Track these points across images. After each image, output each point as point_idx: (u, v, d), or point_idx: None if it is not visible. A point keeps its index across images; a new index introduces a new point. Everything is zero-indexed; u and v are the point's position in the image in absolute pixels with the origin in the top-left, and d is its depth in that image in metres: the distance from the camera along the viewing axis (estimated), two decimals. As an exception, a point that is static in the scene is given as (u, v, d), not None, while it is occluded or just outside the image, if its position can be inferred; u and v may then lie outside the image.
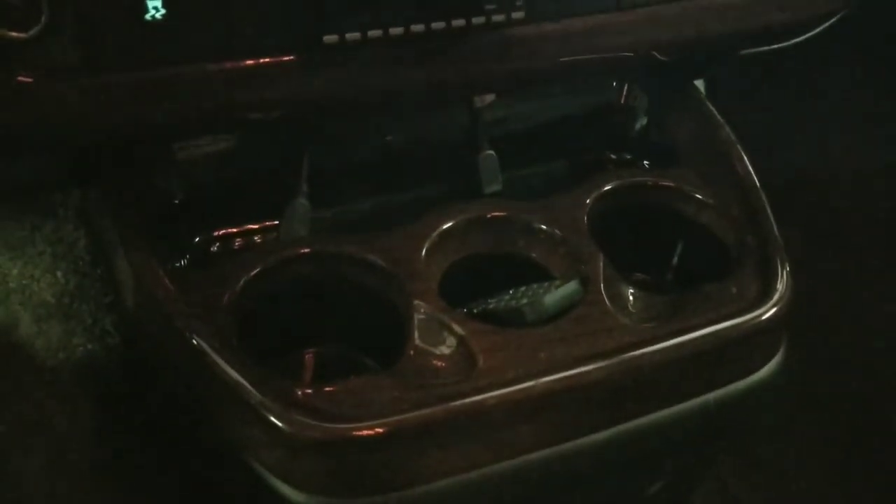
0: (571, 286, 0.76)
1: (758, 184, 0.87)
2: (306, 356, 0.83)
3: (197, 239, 0.86)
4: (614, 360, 0.70)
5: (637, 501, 0.96)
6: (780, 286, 0.78)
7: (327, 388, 0.68)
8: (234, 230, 0.88)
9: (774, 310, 0.76)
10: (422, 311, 0.74)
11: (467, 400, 0.68)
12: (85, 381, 0.92)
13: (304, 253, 0.79)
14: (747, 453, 1.40)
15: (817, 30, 0.95)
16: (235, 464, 0.69)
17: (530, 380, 0.69)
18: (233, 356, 0.69)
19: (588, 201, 0.86)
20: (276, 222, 0.86)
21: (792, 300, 0.78)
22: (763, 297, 0.77)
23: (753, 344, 0.77)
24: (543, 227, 0.83)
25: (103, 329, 0.92)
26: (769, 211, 0.85)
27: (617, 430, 0.73)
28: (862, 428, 1.50)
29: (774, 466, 1.43)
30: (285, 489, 0.67)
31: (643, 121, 1.01)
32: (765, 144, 0.98)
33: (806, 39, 0.97)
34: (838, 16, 0.94)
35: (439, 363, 0.72)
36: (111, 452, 0.87)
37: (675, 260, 0.91)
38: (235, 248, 0.88)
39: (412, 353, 0.72)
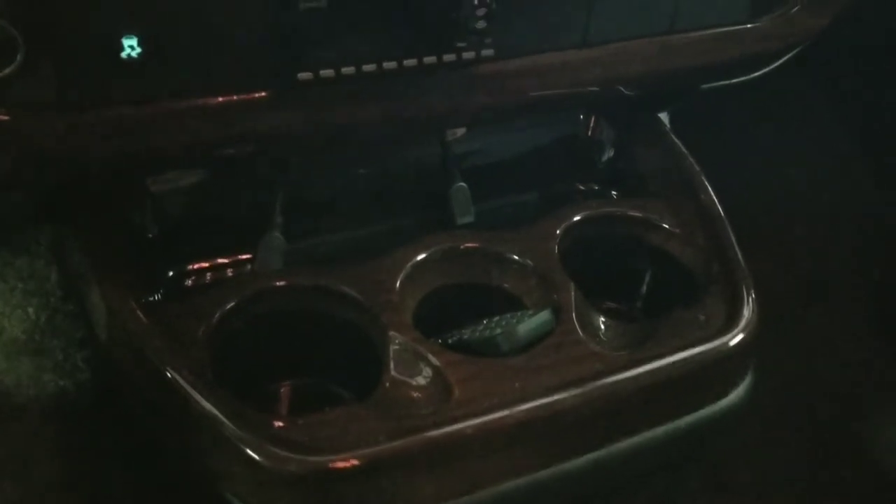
0: (544, 315, 0.77)
1: (722, 213, 0.90)
2: (282, 389, 0.83)
3: (171, 273, 0.87)
4: (588, 387, 0.72)
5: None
6: (747, 312, 0.80)
7: (303, 421, 0.68)
8: (209, 263, 0.89)
9: (742, 335, 0.78)
10: (397, 342, 0.75)
11: (444, 430, 0.68)
12: (55, 416, 0.91)
13: (278, 285, 0.79)
14: (719, 477, 1.41)
15: (777, 63, 0.99)
16: (212, 498, 0.68)
17: (506, 409, 0.70)
18: (208, 389, 0.69)
19: (558, 232, 0.88)
20: (251, 255, 0.86)
21: (758, 326, 0.80)
22: (730, 324, 0.79)
23: (723, 369, 0.79)
24: (515, 257, 0.85)
25: (74, 365, 0.91)
26: (733, 239, 0.87)
27: (592, 457, 0.74)
28: (830, 449, 1.52)
29: (746, 491, 1.44)
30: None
31: (610, 152, 1.04)
32: (726, 174, 1.01)
33: (766, 73, 1.00)
34: (796, 50, 0.98)
35: (415, 393, 0.72)
36: (85, 487, 0.86)
37: (644, 288, 0.93)
38: (210, 281, 0.88)
39: (388, 384, 0.72)
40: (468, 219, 0.92)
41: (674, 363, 0.74)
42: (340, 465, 0.66)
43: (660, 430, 0.76)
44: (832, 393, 1.60)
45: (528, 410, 0.70)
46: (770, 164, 1.59)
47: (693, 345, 0.76)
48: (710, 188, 0.92)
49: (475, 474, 0.71)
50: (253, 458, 0.65)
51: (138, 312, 0.73)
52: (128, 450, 0.82)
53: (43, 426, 0.91)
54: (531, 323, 0.77)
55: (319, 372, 0.83)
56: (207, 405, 0.67)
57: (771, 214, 1.60)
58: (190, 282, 0.88)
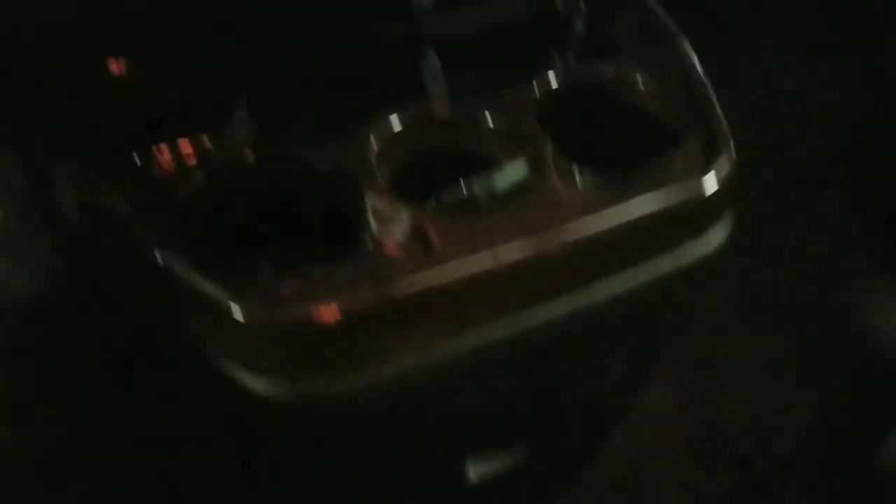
0: (518, 164, 0.77)
1: (701, 71, 0.88)
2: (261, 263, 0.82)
3: (139, 157, 0.85)
4: (568, 226, 0.72)
5: (594, 393, 0.98)
6: (725, 157, 0.80)
7: (286, 278, 0.67)
8: (179, 145, 0.87)
9: (719, 176, 0.78)
10: (375, 204, 0.74)
11: (426, 276, 0.69)
12: (34, 317, 0.91)
13: (251, 161, 0.78)
14: (696, 353, 1.44)
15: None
16: (196, 361, 0.68)
17: (488, 255, 0.70)
18: (187, 255, 0.68)
19: (533, 97, 0.87)
20: (218, 135, 0.85)
21: (735, 171, 0.80)
22: (707, 167, 0.79)
23: (699, 211, 0.79)
24: (491, 123, 0.84)
25: (50, 266, 0.90)
26: (712, 93, 0.86)
27: (574, 300, 0.74)
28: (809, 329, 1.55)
29: (721, 365, 1.47)
30: (248, 378, 0.67)
31: (584, 17, 1.01)
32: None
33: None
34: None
35: (396, 251, 0.72)
36: (67, 373, 0.86)
37: (622, 149, 0.92)
38: (182, 162, 0.86)
39: (368, 243, 0.72)
40: (440, 89, 0.90)
41: (651, 199, 0.74)
42: (326, 315, 0.66)
43: (639, 271, 0.77)
44: (812, 272, 1.63)
45: (510, 254, 0.71)
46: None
47: (670, 184, 0.76)
48: (687, 45, 0.90)
49: (459, 324, 0.72)
50: (236, 314, 0.65)
51: (107, 188, 0.72)
52: (107, 332, 0.82)
53: (25, 326, 0.91)
54: (507, 173, 0.76)
55: (298, 247, 0.83)
56: (185, 267, 0.67)
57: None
58: (162, 164, 0.86)
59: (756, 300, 1.57)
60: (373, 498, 0.92)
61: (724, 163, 0.79)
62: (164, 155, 0.86)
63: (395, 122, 0.83)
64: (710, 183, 0.78)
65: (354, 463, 0.82)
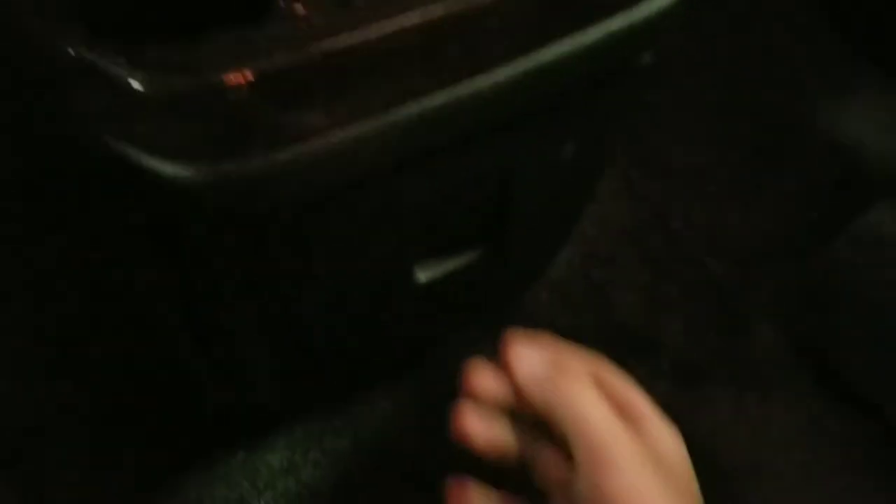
0: None
1: None
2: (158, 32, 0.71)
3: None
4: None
5: (543, 189, 0.92)
6: None
7: (183, 44, 0.58)
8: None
9: None
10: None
11: (348, 35, 0.60)
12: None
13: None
14: (650, 161, 1.40)
15: None
16: (95, 147, 0.60)
17: (416, 10, 0.62)
18: (75, 26, 0.58)
19: None
20: None
21: None
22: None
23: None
24: None
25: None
26: None
27: (520, 62, 0.66)
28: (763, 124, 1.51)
29: (681, 175, 1.43)
30: (154, 162, 0.58)
31: None
32: None
33: None
34: None
35: (311, 10, 0.63)
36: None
37: None
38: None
39: (280, 3, 0.62)
40: None
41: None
42: (234, 80, 0.57)
43: (589, 31, 0.69)
44: (769, 76, 1.58)
45: (442, 7, 0.62)
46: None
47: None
48: None
49: (387, 90, 0.63)
50: (128, 82, 0.56)
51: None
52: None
53: None
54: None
55: (198, 13, 0.72)
56: (80, 43, 0.57)
57: None
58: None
59: (716, 110, 1.52)
60: (319, 302, 0.86)
61: None
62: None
63: None
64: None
65: (291, 264, 0.76)
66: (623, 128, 1.00)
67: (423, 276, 0.87)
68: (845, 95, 1.57)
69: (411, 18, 0.62)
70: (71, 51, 0.57)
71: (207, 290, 0.79)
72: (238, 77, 0.57)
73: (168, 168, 0.59)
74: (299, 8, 0.62)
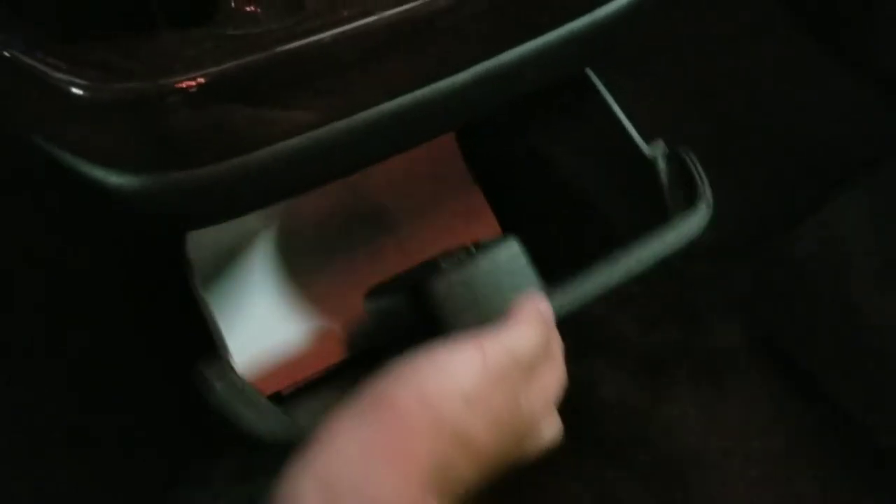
0: None
1: None
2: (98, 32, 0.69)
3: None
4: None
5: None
6: None
7: (125, 43, 0.56)
8: None
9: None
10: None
11: (302, 41, 0.58)
12: None
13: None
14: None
15: None
16: (33, 154, 0.58)
17: (373, 14, 0.60)
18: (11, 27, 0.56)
19: None
20: None
21: None
22: None
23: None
24: None
25: None
26: None
27: (479, 68, 0.65)
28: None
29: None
30: (96, 171, 0.57)
31: None
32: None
33: None
34: None
35: (259, 9, 0.61)
36: None
37: None
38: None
39: (228, 2, 0.60)
40: None
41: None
42: (180, 85, 0.55)
43: (553, 33, 0.68)
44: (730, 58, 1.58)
45: (399, 12, 0.60)
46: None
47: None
48: None
49: (341, 96, 0.62)
50: (68, 89, 0.53)
51: None
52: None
53: None
54: None
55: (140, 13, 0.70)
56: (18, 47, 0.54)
57: None
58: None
59: (675, 104, 1.51)
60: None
61: None
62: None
63: None
64: None
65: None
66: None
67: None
68: (804, 88, 1.57)
69: (364, 22, 0.60)
70: (11, 53, 0.55)
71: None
72: (187, 80, 0.55)
73: (112, 177, 0.57)
74: (250, 8, 0.61)
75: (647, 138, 1.21)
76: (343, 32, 0.59)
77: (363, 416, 0.49)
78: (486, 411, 0.51)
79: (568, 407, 0.61)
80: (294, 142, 0.60)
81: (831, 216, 1.25)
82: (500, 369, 0.52)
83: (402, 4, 0.61)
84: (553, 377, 0.59)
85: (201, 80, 0.55)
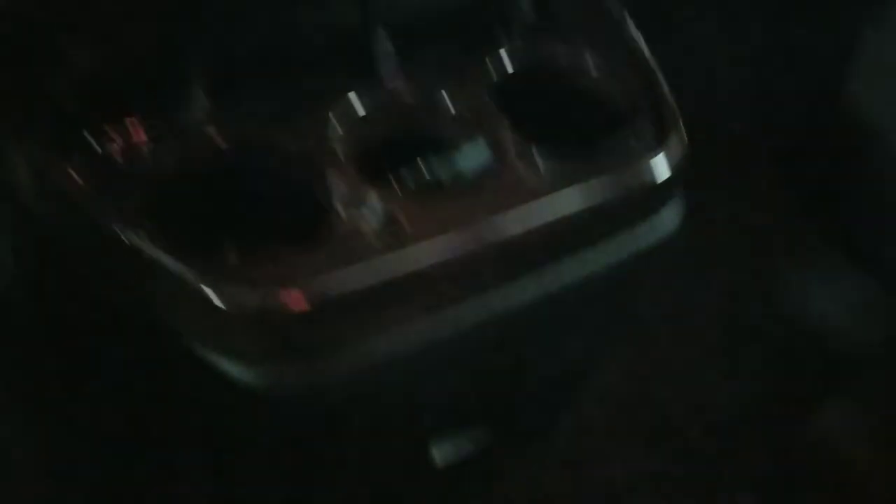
0: (479, 145, 0.79)
1: (647, 50, 0.91)
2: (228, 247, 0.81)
3: (93, 136, 0.82)
4: (534, 206, 0.74)
5: (552, 373, 1.00)
6: (675, 137, 0.83)
7: (258, 257, 0.67)
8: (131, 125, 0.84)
9: (670, 156, 0.81)
10: (341, 186, 0.74)
11: (398, 259, 0.69)
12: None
13: (212, 141, 0.77)
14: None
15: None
16: (169, 347, 0.67)
17: (459, 241, 0.72)
18: (150, 235, 0.67)
19: (488, 77, 0.88)
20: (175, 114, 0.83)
21: (686, 150, 0.83)
22: (659, 147, 0.82)
23: (654, 191, 0.82)
24: (448, 106, 0.85)
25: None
26: (659, 74, 0.89)
27: (542, 281, 0.77)
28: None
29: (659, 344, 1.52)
30: (225, 363, 0.66)
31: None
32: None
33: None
34: None
35: (365, 233, 0.72)
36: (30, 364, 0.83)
37: (576, 129, 0.94)
38: (136, 142, 0.84)
39: (337, 226, 0.72)
40: (392, 71, 0.91)
41: (609, 181, 0.78)
42: (301, 299, 0.66)
43: (602, 252, 0.79)
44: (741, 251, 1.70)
45: (484, 235, 0.72)
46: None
47: (627, 164, 0.79)
48: (633, 25, 0.93)
49: (433, 309, 0.73)
50: (214, 299, 0.64)
51: (66, 169, 0.70)
52: (72, 331, 0.79)
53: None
54: (466, 154, 0.78)
55: (263, 231, 0.82)
56: (157, 252, 0.66)
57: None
58: (115, 145, 0.84)
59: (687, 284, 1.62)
60: (334, 481, 0.92)
61: (676, 145, 0.82)
62: (122, 134, 0.84)
63: (355, 103, 0.83)
64: (663, 166, 0.81)
65: (320, 447, 0.83)
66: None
67: (438, 456, 0.94)
68: (810, 273, 1.69)
69: (454, 244, 0.72)
70: (150, 259, 0.66)
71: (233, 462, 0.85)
72: (302, 294, 0.66)
73: (236, 370, 0.67)
74: (356, 232, 0.72)
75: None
76: (436, 256, 0.71)
77: None
78: None
79: None
80: (386, 346, 0.71)
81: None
82: None
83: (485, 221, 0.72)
84: None
85: (316, 293, 0.66)
